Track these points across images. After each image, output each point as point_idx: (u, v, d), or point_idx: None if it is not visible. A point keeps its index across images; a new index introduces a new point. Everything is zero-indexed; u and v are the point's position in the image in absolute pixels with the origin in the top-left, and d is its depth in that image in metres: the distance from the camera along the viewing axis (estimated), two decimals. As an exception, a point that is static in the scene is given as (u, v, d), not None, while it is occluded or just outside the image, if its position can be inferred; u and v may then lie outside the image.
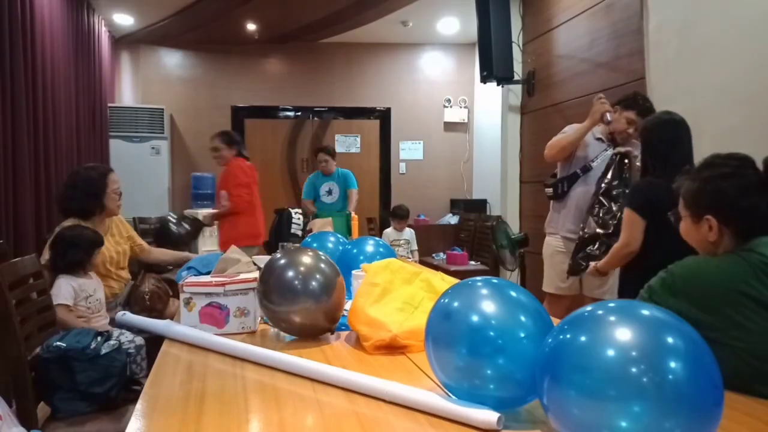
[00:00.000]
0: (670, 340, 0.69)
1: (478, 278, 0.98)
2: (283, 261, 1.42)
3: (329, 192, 4.82)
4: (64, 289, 2.10)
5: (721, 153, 1.31)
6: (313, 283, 1.38)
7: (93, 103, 4.93)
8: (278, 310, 1.39)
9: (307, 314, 1.38)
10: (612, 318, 0.73)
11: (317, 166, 4.84)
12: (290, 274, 1.38)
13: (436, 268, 4.05)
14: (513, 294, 0.93)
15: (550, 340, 0.78)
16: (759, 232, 1.23)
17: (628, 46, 3.42)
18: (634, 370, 0.67)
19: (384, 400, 1.01)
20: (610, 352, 0.69)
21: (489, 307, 0.90)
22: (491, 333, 0.87)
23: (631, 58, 3.37)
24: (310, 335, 1.44)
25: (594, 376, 0.69)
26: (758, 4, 2.51)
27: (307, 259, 1.42)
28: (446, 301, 0.96)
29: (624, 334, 0.70)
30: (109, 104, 5.48)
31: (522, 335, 0.87)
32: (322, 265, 1.42)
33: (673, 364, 0.67)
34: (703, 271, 1.24)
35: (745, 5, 2.57)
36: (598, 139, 2.84)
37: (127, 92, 6.04)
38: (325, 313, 1.40)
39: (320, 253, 1.48)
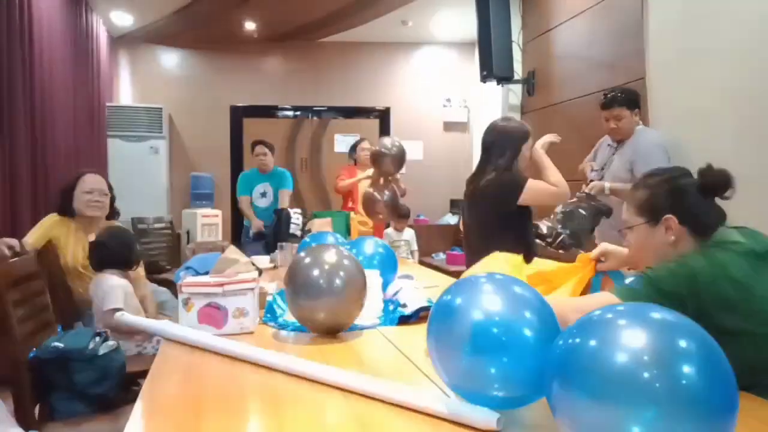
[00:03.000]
0: (682, 343, 0.67)
1: (482, 275, 0.96)
2: (308, 260, 1.45)
3: (263, 194, 4.44)
4: (113, 292, 2.10)
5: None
6: (337, 280, 1.41)
7: (91, 103, 4.91)
8: (305, 306, 1.42)
9: (332, 311, 1.41)
10: (623, 321, 0.71)
11: (254, 162, 4.50)
12: (315, 272, 1.42)
13: (436, 268, 4.04)
14: (517, 291, 0.91)
15: (560, 343, 0.76)
16: (706, 232, 1.25)
17: (628, 45, 3.41)
18: (645, 374, 0.65)
19: (383, 401, 1.00)
20: (622, 356, 0.67)
21: (493, 304, 0.88)
22: (495, 330, 0.85)
23: (631, 58, 3.36)
24: (333, 331, 1.46)
25: (605, 380, 0.67)
26: (758, 4, 2.50)
27: (332, 257, 1.45)
28: (449, 298, 0.94)
29: (635, 337, 0.68)
30: (107, 103, 5.45)
31: (527, 333, 0.85)
32: (346, 262, 1.45)
33: (686, 369, 0.65)
34: (697, 271, 1.20)
35: (746, 5, 2.56)
36: (609, 145, 2.92)
37: (125, 91, 6.02)
38: (347, 308, 1.44)
39: (344, 249, 1.52)
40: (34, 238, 2.44)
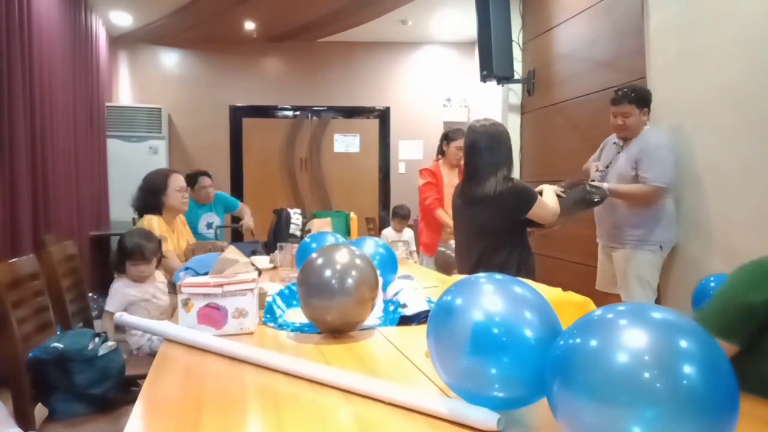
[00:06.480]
0: (683, 343, 0.67)
1: (482, 274, 0.96)
2: (321, 260, 1.45)
3: (209, 225, 3.88)
4: (115, 296, 2.21)
5: None
6: (350, 280, 1.41)
7: (90, 103, 4.91)
8: (318, 305, 1.42)
9: (341, 311, 1.41)
10: (624, 321, 0.71)
11: (194, 195, 3.74)
12: (327, 273, 1.41)
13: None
14: (518, 291, 0.90)
15: (561, 343, 0.76)
16: None
17: (628, 45, 3.41)
18: (646, 374, 0.65)
19: (383, 402, 1.00)
20: (622, 356, 0.67)
21: (493, 304, 0.87)
22: (495, 331, 0.85)
23: (631, 58, 3.35)
24: (346, 330, 1.47)
25: (606, 380, 0.67)
26: (759, 4, 2.50)
27: (344, 257, 1.45)
28: (449, 298, 0.93)
29: (636, 337, 0.68)
30: (107, 104, 5.45)
31: (527, 333, 0.85)
32: (358, 261, 1.45)
33: (687, 369, 0.65)
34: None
35: (746, 5, 2.56)
36: (615, 143, 2.93)
37: (124, 92, 6.02)
38: (359, 308, 1.44)
39: (356, 249, 1.51)
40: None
